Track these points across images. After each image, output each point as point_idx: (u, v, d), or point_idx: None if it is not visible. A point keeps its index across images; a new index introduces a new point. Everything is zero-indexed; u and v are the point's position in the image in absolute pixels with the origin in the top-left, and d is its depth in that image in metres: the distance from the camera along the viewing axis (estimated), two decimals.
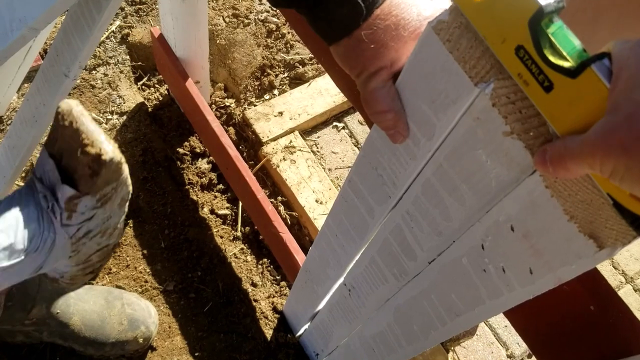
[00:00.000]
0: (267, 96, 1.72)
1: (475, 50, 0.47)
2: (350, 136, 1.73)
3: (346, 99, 1.70)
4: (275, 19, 1.76)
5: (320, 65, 1.73)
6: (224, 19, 1.72)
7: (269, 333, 1.50)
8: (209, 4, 1.70)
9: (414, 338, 0.83)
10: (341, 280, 1.00)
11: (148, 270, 1.50)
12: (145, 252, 1.51)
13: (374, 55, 0.56)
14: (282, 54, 1.75)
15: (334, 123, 1.73)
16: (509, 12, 0.43)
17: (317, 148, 1.69)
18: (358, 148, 1.71)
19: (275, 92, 1.73)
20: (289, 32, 1.76)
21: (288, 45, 1.76)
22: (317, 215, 1.53)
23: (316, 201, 1.55)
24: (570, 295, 0.55)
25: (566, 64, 0.41)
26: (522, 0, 0.42)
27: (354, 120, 1.73)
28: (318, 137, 1.70)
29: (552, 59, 0.41)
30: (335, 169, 1.66)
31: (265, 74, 1.72)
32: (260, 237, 1.58)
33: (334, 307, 1.09)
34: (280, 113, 1.65)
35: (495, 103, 0.47)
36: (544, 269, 0.51)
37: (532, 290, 0.54)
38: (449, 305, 0.70)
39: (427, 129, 0.57)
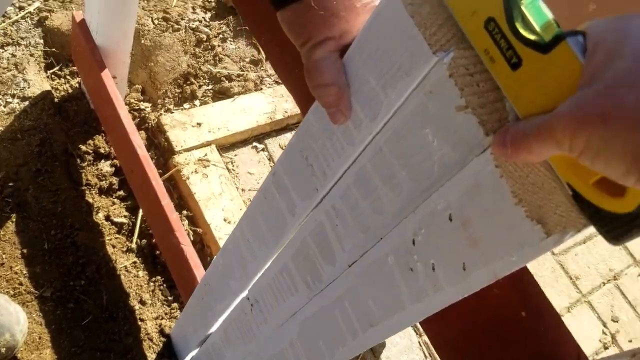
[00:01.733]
0: (187, 105, 1.64)
1: (438, 17, 0.45)
2: (269, 159, 1.68)
3: (270, 121, 1.66)
4: (207, 29, 1.71)
5: (247, 83, 1.69)
6: (152, 21, 1.64)
7: (151, 357, 1.37)
8: (139, 3, 1.63)
9: (318, 356, 0.77)
10: (244, 293, 0.93)
11: (25, 271, 1.34)
12: (25, 251, 1.35)
13: (322, 23, 0.53)
14: (209, 66, 1.69)
15: (254, 143, 1.68)
16: None
17: (233, 166, 1.62)
18: None
19: (197, 102, 1.66)
20: (219, 45, 1.71)
21: (217, 58, 1.70)
22: (223, 234, 1.45)
23: (224, 220, 1.47)
24: (502, 300, 0.51)
25: (539, 39, 0.39)
26: None
27: (275, 144, 1.69)
28: (235, 155, 1.63)
29: (523, 32, 0.39)
30: (249, 190, 1.60)
31: (189, 82, 1.65)
32: (157, 252, 1.46)
33: (230, 326, 1.01)
34: (199, 124, 1.58)
35: (453, 74, 0.44)
36: (480, 262, 0.47)
37: (463, 289, 0.50)
38: (363, 314, 0.64)
39: (372, 108, 0.53)
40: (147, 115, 1.60)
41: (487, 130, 0.43)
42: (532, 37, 0.39)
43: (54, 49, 1.62)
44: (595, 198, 0.39)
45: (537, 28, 0.39)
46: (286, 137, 1.71)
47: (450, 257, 0.50)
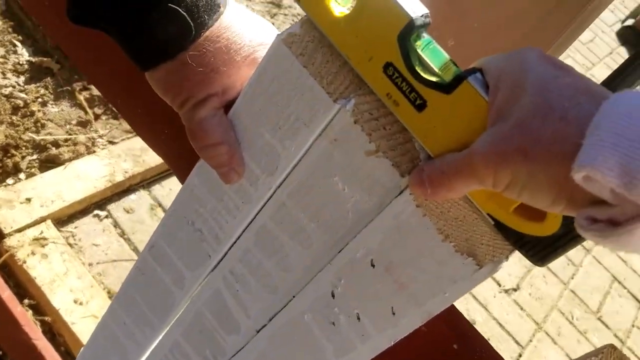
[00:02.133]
0: (10, 180, 1.46)
1: (332, 64, 0.44)
2: (115, 226, 1.54)
3: (110, 184, 1.53)
4: (22, 95, 1.54)
5: (77, 147, 1.55)
6: None
7: None
8: None
9: None
10: None
11: None
12: None
13: (202, 80, 0.49)
14: (30, 134, 1.52)
15: (95, 211, 1.53)
16: (374, 28, 0.40)
17: (75, 240, 1.46)
18: (125, 239, 1.53)
19: (22, 175, 1.48)
20: (39, 110, 1.55)
21: (38, 124, 1.54)
22: (77, 318, 1.29)
23: (74, 302, 1.32)
24: (433, 334, 0.51)
25: (440, 80, 0.40)
26: (389, 14, 0.39)
27: (119, 208, 1.56)
28: (76, 227, 1.48)
29: (424, 75, 0.39)
30: (98, 263, 1.45)
31: (9, 155, 1.46)
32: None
33: None
34: (28, 199, 1.40)
35: (358, 119, 0.43)
36: (411, 304, 0.46)
37: (394, 334, 0.49)
38: None
39: (269, 162, 0.50)
40: None
41: (402, 172, 0.43)
42: (433, 78, 0.40)
43: None
44: (517, 225, 0.40)
45: (436, 69, 0.40)
46: (131, 200, 1.59)
47: (376, 304, 0.49)
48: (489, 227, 0.42)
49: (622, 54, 3.18)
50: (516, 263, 1.92)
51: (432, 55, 0.40)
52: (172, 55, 0.48)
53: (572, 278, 1.95)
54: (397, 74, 0.40)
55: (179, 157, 0.63)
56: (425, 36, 0.41)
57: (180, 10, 0.46)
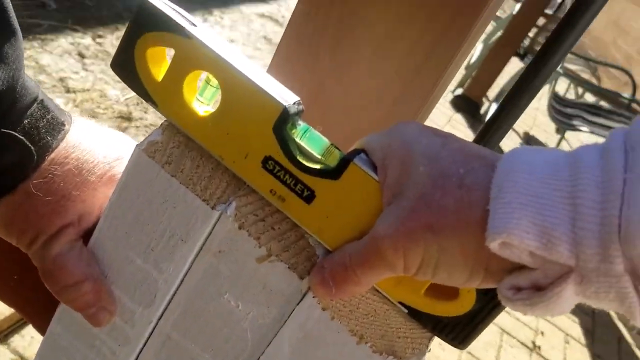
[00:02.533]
0: None
1: (204, 168, 0.39)
2: None
3: None
4: None
5: None
6: None
7: None
8: None
9: None
10: None
11: None
12: None
13: (52, 210, 0.42)
14: None
15: None
16: (246, 122, 0.37)
17: None
18: None
19: None
20: None
21: None
22: None
23: None
24: None
25: (325, 166, 0.37)
26: (260, 106, 0.36)
27: None
28: None
29: (308, 164, 0.36)
30: None
31: None
32: None
33: None
34: None
35: (242, 224, 0.38)
36: None
37: None
38: None
39: (145, 292, 0.43)
40: None
41: (301, 274, 0.38)
42: (317, 166, 0.37)
43: None
44: (432, 308, 0.37)
45: (319, 156, 0.37)
46: None
47: None
48: (403, 317, 0.38)
49: (458, 120, 3.50)
50: None
51: (312, 142, 0.38)
52: (12, 188, 0.41)
53: None
54: (278, 167, 0.37)
55: (35, 304, 0.53)
56: (301, 124, 0.38)
57: (17, 134, 0.40)
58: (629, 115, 2.95)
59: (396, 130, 0.36)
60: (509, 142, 3.58)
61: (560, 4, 3.34)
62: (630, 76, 3.07)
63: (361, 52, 0.55)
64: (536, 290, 0.30)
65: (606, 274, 0.27)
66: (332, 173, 0.36)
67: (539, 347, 2.12)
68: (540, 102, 3.73)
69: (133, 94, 2.29)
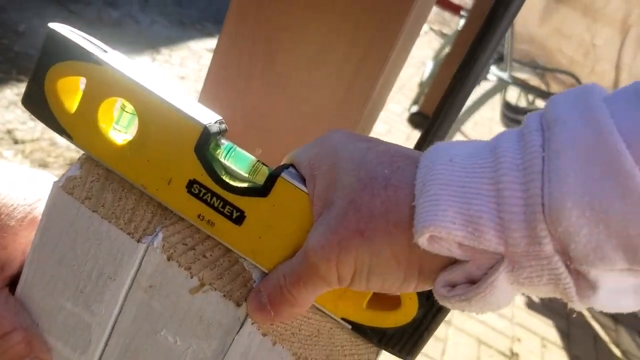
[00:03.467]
0: None
1: (127, 200, 0.38)
2: None
3: None
4: None
5: None
6: None
7: None
8: None
9: None
10: None
11: None
12: None
13: None
14: None
15: None
16: (166, 146, 0.35)
17: None
18: None
19: None
20: None
21: None
22: None
23: None
24: None
25: (253, 184, 0.35)
26: (179, 128, 0.35)
27: None
28: None
29: (234, 184, 0.35)
30: None
31: None
32: None
33: None
34: None
35: (171, 255, 0.37)
36: None
37: None
38: None
39: (80, 337, 0.41)
40: None
41: (237, 300, 0.37)
42: (244, 184, 0.35)
43: None
44: (375, 320, 0.36)
45: (246, 174, 0.36)
46: None
47: None
48: (347, 334, 0.37)
49: (416, 137, 3.53)
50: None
51: (238, 160, 0.36)
52: None
53: (444, 354, 1.96)
54: (204, 191, 0.35)
55: None
56: (225, 142, 0.37)
57: None
58: None
59: (321, 140, 0.36)
60: None
61: None
62: (576, 78, 3.17)
63: (292, 71, 0.55)
64: (471, 284, 0.29)
65: (536, 256, 0.27)
66: (261, 191, 0.35)
67: (517, 355, 2.11)
68: (494, 112, 3.80)
69: None
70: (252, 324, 0.37)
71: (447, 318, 2.11)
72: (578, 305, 0.28)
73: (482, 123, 4.18)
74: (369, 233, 0.30)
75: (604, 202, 0.24)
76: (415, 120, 3.70)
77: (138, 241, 0.37)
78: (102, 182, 0.38)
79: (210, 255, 0.37)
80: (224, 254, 0.37)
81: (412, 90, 4.20)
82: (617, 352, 2.35)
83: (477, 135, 3.97)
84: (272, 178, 0.35)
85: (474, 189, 0.28)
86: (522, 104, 3.92)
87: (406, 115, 3.78)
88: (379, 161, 0.32)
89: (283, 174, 0.35)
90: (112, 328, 0.40)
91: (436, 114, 0.54)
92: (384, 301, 0.37)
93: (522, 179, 0.27)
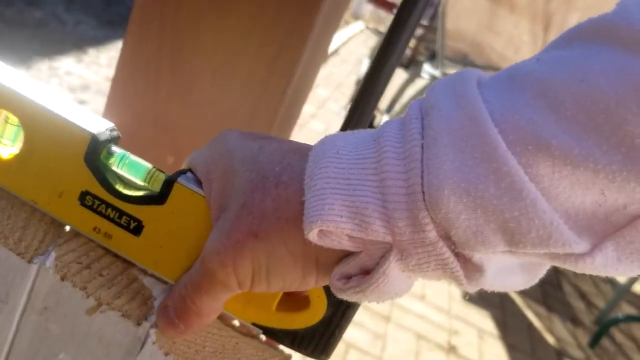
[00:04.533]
0: None
1: (17, 218, 0.36)
2: None
3: None
4: None
5: None
6: None
7: None
8: None
9: None
10: None
11: None
12: None
13: None
14: None
15: None
16: (54, 158, 0.34)
17: None
18: None
19: None
20: None
21: None
22: None
23: None
24: None
25: (149, 192, 0.34)
26: (66, 138, 0.33)
27: None
28: None
29: (129, 192, 0.34)
30: None
31: None
32: None
33: None
34: None
35: (65, 274, 0.35)
36: None
37: None
38: None
39: None
40: None
41: (137, 319, 0.35)
42: (140, 193, 0.34)
43: None
44: (285, 322, 0.36)
45: (141, 182, 0.35)
46: None
47: None
48: (253, 348, 0.36)
49: None
50: None
51: (132, 168, 0.35)
52: None
53: (384, 350, 1.99)
54: (97, 202, 0.34)
55: None
56: (118, 150, 0.35)
57: None
58: None
59: (216, 141, 0.35)
60: None
61: (434, 14, 3.52)
62: None
63: (201, 76, 0.54)
64: (366, 275, 0.29)
65: (422, 243, 0.27)
66: (157, 198, 0.34)
67: (455, 347, 2.17)
68: None
69: None
70: (153, 343, 0.35)
71: (386, 314, 2.14)
72: (468, 287, 0.29)
73: None
74: (263, 234, 0.30)
75: (480, 187, 0.25)
76: None
77: (29, 261, 0.35)
78: None
79: (107, 273, 0.36)
80: (122, 272, 0.36)
81: (350, 88, 4.23)
82: (550, 339, 2.44)
83: None
84: (168, 184, 0.34)
85: (359, 181, 0.28)
86: None
87: (343, 113, 3.81)
88: (270, 159, 0.32)
89: (179, 179, 0.33)
90: (8, 353, 0.38)
91: (354, 111, 0.54)
92: (294, 302, 0.36)
93: (403, 168, 0.27)
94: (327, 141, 0.30)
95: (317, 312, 0.36)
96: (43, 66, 2.57)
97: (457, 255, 0.27)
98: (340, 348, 1.93)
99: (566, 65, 0.25)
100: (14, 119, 0.34)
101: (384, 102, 3.83)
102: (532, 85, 0.25)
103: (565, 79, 0.24)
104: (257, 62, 0.53)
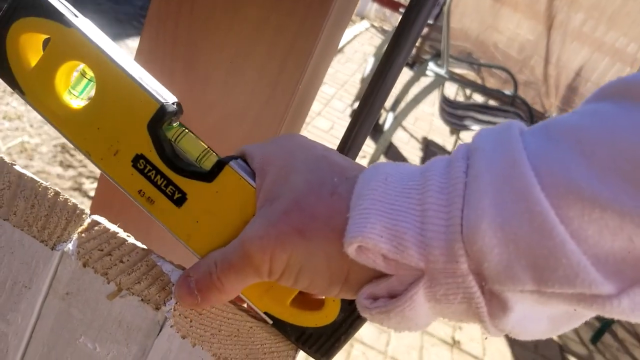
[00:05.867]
0: None
1: (40, 207, 0.37)
2: None
3: None
4: None
5: None
6: None
7: None
8: None
9: None
10: None
11: None
12: None
13: None
14: None
15: None
16: (119, 117, 0.36)
17: None
18: None
19: None
20: None
21: None
22: None
23: None
24: None
25: (199, 168, 0.36)
26: (136, 101, 0.35)
27: None
28: None
29: (181, 165, 0.35)
30: None
31: None
32: None
33: None
34: None
35: (87, 261, 0.37)
36: None
37: None
38: None
39: None
40: None
41: (156, 304, 0.37)
42: (192, 167, 0.36)
43: None
44: (296, 318, 0.37)
45: (194, 158, 0.36)
46: None
47: None
48: (267, 333, 0.38)
49: None
50: None
51: (188, 143, 0.37)
52: None
53: (388, 345, 2.01)
54: (149, 167, 0.36)
55: None
56: (179, 125, 0.37)
57: None
58: (513, 110, 3.14)
59: (280, 140, 0.37)
60: (410, 147, 3.70)
61: (439, 13, 3.52)
62: (509, 73, 3.28)
63: (213, 73, 0.55)
64: (392, 298, 0.30)
65: (453, 274, 0.28)
66: (206, 175, 0.35)
67: (459, 342, 2.18)
68: (434, 107, 3.89)
69: (15, 141, 2.17)
70: (171, 326, 0.37)
71: None
72: (490, 327, 0.30)
73: (423, 118, 4.27)
74: (309, 234, 0.31)
75: (513, 224, 0.26)
76: None
77: (52, 248, 0.37)
78: (13, 189, 0.37)
79: (127, 260, 0.37)
80: (142, 259, 0.37)
81: (355, 87, 4.24)
82: (554, 336, 2.45)
83: (418, 130, 4.05)
84: (220, 165, 0.35)
85: (402, 207, 0.29)
86: (461, 98, 4.04)
87: (349, 111, 3.82)
88: (331, 169, 0.34)
89: (231, 163, 0.35)
90: (30, 337, 0.39)
91: (360, 108, 0.55)
92: (308, 301, 0.38)
93: (445, 202, 0.28)
94: (378, 167, 0.32)
95: (329, 314, 0.37)
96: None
97: (484, 291, 0.29)
98: None
99: (599, 118, 0.27)
100: (89, 74, 0.36)
101: (389, 100, 3.84)
102: (567, 134, 0.27)
103: (597, 130, 0.26)
104: (268, 61, 0.54)
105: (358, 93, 3.96)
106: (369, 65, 3.95)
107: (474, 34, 3.84)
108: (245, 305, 0.39)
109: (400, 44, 0.51)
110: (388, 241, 0.29)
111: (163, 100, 0.35)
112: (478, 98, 4.02)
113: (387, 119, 3.44)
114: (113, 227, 0.38)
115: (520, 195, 0.26)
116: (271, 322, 0.37)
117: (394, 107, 3.52)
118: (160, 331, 0.37)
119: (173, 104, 0.36)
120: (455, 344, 2.18)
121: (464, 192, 0.28)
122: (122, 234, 0.38)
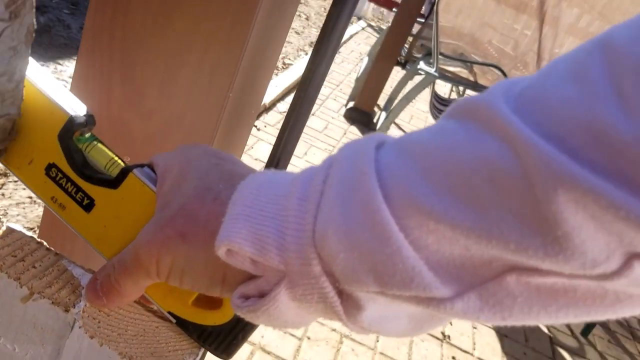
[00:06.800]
0: None
1: None
2: None
3: None
4: None
5: None
6: None
7: None
8: None
9: None
10: None
11: None
12: None
13: None
14: None
15: None
16: (32, 128, 0.38)
17: None
18: None
19: None
20: None
21: None
22: None
23: None
24: None
25: (106, 176, 0.38)
26: (47, 114, 0.38)
27: None
28: None
29: (89, 173, 0.38)
30: None
31: None
32: None
33: None
34: None
35: (1, 267, 0.39)
36: None
37: None
38: None
39: None
40: None
41: (66, 306, 0.39)
42: (99, 175, 0.38)
43: None
44: (196, 317, 0.39)
45: (102, 167, 0.39)
46: None
47: None
48: (172, 332, 0.40)
49: (353, 132, 3.60)
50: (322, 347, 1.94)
51: (98, 153, 0.39)
52: None
53: (378, 341, 2.03)
54: (61, 175, 0.38)
55: None
56: (89, 135, 0.40)
57: None
58: None
59: (184, 148, 0.40)
60: None
61: (430, 11, 3.53)
62: (501, 70, 3.28)
63: (150, 81, 0.58)
64: (261, 297, 0.33)
65: (307, 275, 0.30)
66: (112, 182, 0.38)
67: (449, 337, 2.20)
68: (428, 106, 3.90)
69: None
70: (79, 327, 0.39)
71: None
72: (348, 324, 0.32)
73: (418, 116, 4.29)
74: (190, 237, 0.34)
75: (357, 231, 0.28)
76: (352, 116, 3.76)
77: None
78: None
79: (40, 265, 0.40)
80: (53, 264, 0.40)
81: (351, 87, 4.26)
82: (543, 328, 2.47)
83: (414, 128, 4.06)
84: (124, 173, 0.38)
85: (270, 214, 0.32)
86: (455, 95, 4.05)
87: (343, 111, 3.84)
88: (219, 176, 0.36)
89: (134, 171, 0.38)
90: None
91: (294, 107, 0.58)
92: (208, 301, 0.40)
93: (303, 208, 0.31)
94: (255, 176, 0.35)
95: (226, 313, 0.39)
96: (47, 70, 2.62)
97: (341, 292, 0.31)
98: (334, 338, 1.97)
99: (442, 135, 0.29)
100: None
101: (382, 99, 3.86)
102: (414, 149, 0.29)
103: (438, 147, 0.28)
104: (199, 69, 0.57)
105: (352, 92, 3.97)
106: (363, 65, 3.97)
107: (467, 31, 3.85)
108: (154, 306, 0.41)
109: (326, 40, 0.53)
110: (252, 244, 0.31)
111: (72, 112, 0.38)
112: (471, 94, 4.00)
113: (380, 117, 3.45)
114: (27, 235, 0.40)
115: (365, 205, 0.28)
116: (174, 321, 0.40)
117: (386, 106, 3.54)
118: (70, 332, 0.40)
119: (85, 115, 0.39)
120: (445, 338, 2.19)
121: (319, 201, 0.30)
122: (35, 241, 0.40)
